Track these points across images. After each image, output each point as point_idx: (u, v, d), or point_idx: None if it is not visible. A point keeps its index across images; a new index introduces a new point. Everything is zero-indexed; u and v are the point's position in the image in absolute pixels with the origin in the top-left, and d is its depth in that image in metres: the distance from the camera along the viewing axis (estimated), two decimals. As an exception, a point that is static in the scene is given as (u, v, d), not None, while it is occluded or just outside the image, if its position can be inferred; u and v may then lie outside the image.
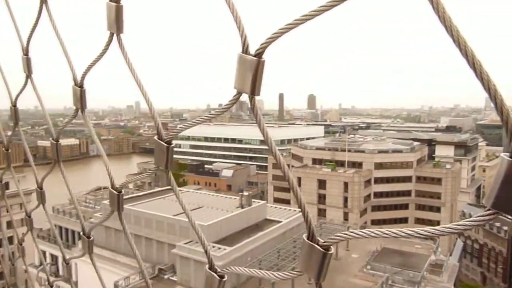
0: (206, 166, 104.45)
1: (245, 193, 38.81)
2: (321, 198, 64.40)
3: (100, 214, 38.95)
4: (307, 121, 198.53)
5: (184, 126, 1.54)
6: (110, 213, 2.06)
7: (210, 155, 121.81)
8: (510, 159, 0.80)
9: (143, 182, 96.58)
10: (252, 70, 1.13)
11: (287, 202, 69.97)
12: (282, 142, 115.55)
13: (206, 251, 1.15)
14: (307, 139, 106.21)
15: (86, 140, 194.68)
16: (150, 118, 1.61)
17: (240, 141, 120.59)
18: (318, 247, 1.09)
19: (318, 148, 71.26)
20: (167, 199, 40.85)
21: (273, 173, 78.37)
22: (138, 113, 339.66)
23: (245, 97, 1.17)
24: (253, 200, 38.49)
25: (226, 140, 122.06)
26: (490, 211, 0.83)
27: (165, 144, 1.59)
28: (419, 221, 64.03)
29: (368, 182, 62.46)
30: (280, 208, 42.37)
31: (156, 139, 1.60)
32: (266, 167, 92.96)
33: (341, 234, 1.05)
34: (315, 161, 69.60)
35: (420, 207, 64.72)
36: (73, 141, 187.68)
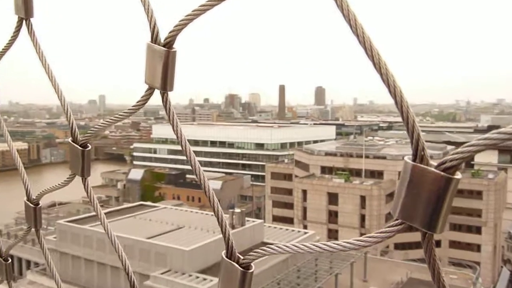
0: (188, 176, 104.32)
1: (237, 210, 38.79)
2: (332, 216, 64.41)
3: (54, 237, 38.76)
4: (314, 120, 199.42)
5: (97, 128, 1.59)
6: (27, 231, 2.12)
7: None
8: (413, 162, 0.89)
9: (108, 197, 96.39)
10: (162, 62, 1.18)
11: (289, 221, 69.92)
12: (282, 146, 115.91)
13: (224, 232, 1.15)
14: (314, 142, 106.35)
15: (37, 144, 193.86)
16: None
17: (231, 145, 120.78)
18: (237, 265, 1.14)
19: (328, 154, 71.38)
20: (139, 218, 40.70)
21: (272, 184, 78.38)
22: (103, 110, 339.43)
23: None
24: (247, 218, 38.44)
25: (213, 143, 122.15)
26: (398, 221, 0.91)
27: (79, 148, 1.63)
28: (455, 245, 64.23)
29: (390, 196, 62.65)
30: (281, 228, 42.38)
31: (71, 141, 1.66)
32: (263, 177, 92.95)
33: (261, 249, 1.09)
34: (324, 169, 69.68)
35: (455, 227, 64.90)
36: (20, 144, 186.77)
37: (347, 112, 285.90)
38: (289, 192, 73.65)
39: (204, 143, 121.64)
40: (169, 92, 1.25)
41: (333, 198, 63.68)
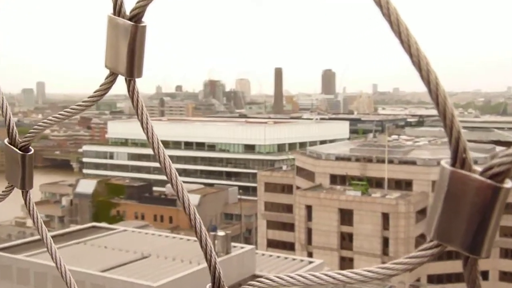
0: (155, 188, 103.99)
1: (220, 233, 38.76)
2: (345, 241, 64.50)
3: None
4: (321, 114, 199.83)
5: (41, 126, 1.59)
6: None
7: (162, 170, 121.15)
8: (452, 168, 0.89)
9: (50, 216, 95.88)
10: (128, 40, 1.17)
11: (289, 246, 69.95)
12: (280, 148, 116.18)
13: (209, 260, 1.19)
14: (322, 142, 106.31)
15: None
16: (62, 109, 1.65)
17: (212, 147, 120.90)
18: None
19: (339, 158, 71.54)
20: (91, 244, 40.58)
21: (266, 198, 78.42)
22: (42, 102, 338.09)
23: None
24: (233, 244, 38.42)
25: (188, 145, 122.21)
26: (433, 243, 0.91)
27: (19, 152, 1.60)
28: (506, 277, 64.56)
29: (422, 213, 62.92)
30: (278, 256, 42.40)
31: (7, 143, 1.63)
32: (254, 189, 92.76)
33: (257, 281, 1.10)
34: (334, 179, 69.80)
35: (507, 254, 65.25)
36: None
37: (365, 103, 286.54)
38: (289, 208, 73.66)
39: (177, 144, 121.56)
40: (136, 79, 1.23)
41: (346, 216, 63.77)
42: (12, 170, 1.63)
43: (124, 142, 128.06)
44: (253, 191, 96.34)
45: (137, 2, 1.13)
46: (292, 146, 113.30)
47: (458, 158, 0.88)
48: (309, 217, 66.66)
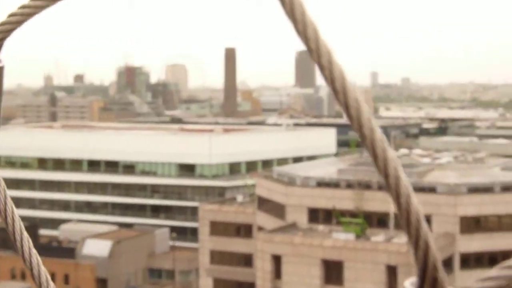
0: (43, 232, 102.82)
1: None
2: (333, 307, 64.69)
3: None
4: (295, 117, 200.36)
5: None
6: None
7: (53, 204, 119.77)
8: None
9: None
10: None
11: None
12: (232, 168, 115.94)
13: None
14: (296, 160, 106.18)
15: None
16: None
17: (130, 168, 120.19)
18: None
19: (322, 184, 71.78)
20: None
21: (213, 245, 78.24)
22: None
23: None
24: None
25: (94, 165, 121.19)
26: None
27: None
28: None
29: (446, 264, 63.47)
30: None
31: None
32: (194, 231, 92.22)
33: None
34: (315, 214, 69.98)
35: None
36: None
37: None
38: (247, 260, 73.62)
39: (76, 164, 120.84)
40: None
41: (334, 271, 64.04)
42: None
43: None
44: (192, 234, 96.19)
45: None
46: (251, 166, 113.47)
47: (427, 278, 0.90)
48: (277, 272, 66.68)
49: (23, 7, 1.22)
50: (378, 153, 0.87)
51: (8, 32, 1.24)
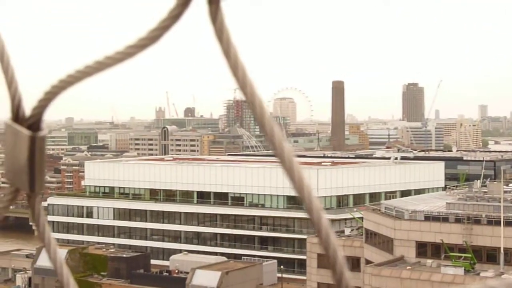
0: (154, 262, 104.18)
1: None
2: None
3: None
4: (402, 150, 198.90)
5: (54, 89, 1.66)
6: None
7: (164, 234, 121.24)
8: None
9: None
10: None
11: None
12: (340, 201, 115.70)
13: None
14: (404, 194, 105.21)
15: None
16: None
17: (239, 200, 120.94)
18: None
19: (431, 218, 71.04)
20: None
21: (319, 278, 78.28)
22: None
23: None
24: None
25: (203, 196, 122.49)
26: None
27: (26, 132, 1.52)
28: None
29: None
30: None
31: (10, 121, 1.55)
32: (302, 263, 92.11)
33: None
34: (423, 248, 69.28)
35: None
36: None
37: (468, 134, 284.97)
38: (355, 293, 73.09)
39: (186, 195, 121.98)
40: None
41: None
42: (15, 164, 1.53)
43: (108, 193, 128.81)
44: (300, 266, 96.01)
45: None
46: (359, 199, 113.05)
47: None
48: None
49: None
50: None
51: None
